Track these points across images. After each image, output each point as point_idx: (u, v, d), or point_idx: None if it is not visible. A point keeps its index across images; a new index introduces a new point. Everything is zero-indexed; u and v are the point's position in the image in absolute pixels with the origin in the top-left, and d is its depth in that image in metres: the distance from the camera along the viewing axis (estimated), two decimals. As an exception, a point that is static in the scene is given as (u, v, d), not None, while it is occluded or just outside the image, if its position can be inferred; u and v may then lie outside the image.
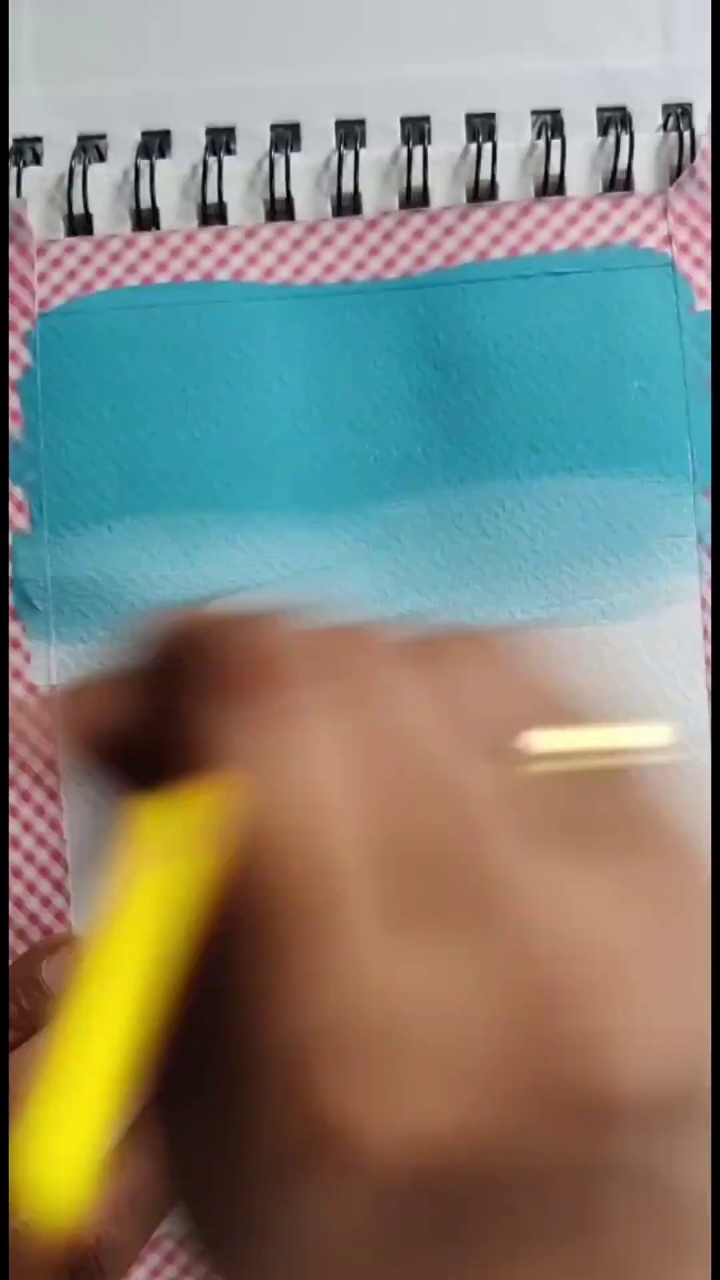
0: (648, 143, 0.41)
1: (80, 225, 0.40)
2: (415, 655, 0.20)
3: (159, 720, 0.20)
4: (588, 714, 0.20)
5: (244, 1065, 0.17)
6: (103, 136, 0.41)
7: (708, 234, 0.40)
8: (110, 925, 0.18)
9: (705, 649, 0.40)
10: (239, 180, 0.41)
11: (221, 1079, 0.17)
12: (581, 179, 0.41)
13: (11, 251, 0.40)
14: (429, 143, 0.41)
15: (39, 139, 0.41)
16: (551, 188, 0.40)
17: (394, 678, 0.19)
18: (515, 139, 0.41)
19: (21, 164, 0.41)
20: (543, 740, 0.19)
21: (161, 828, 0.18)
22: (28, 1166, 0.16)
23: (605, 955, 0.16)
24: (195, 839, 0.18)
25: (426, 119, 0.41)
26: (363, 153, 0.41)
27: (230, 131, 0.42)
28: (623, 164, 0.40)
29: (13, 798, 0.40)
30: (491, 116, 0.41)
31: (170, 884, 0.18)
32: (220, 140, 0.41)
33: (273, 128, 0.41)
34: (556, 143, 0.40)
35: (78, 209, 0.40)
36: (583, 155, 0.41)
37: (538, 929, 0.16)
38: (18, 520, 0.40)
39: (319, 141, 0.41)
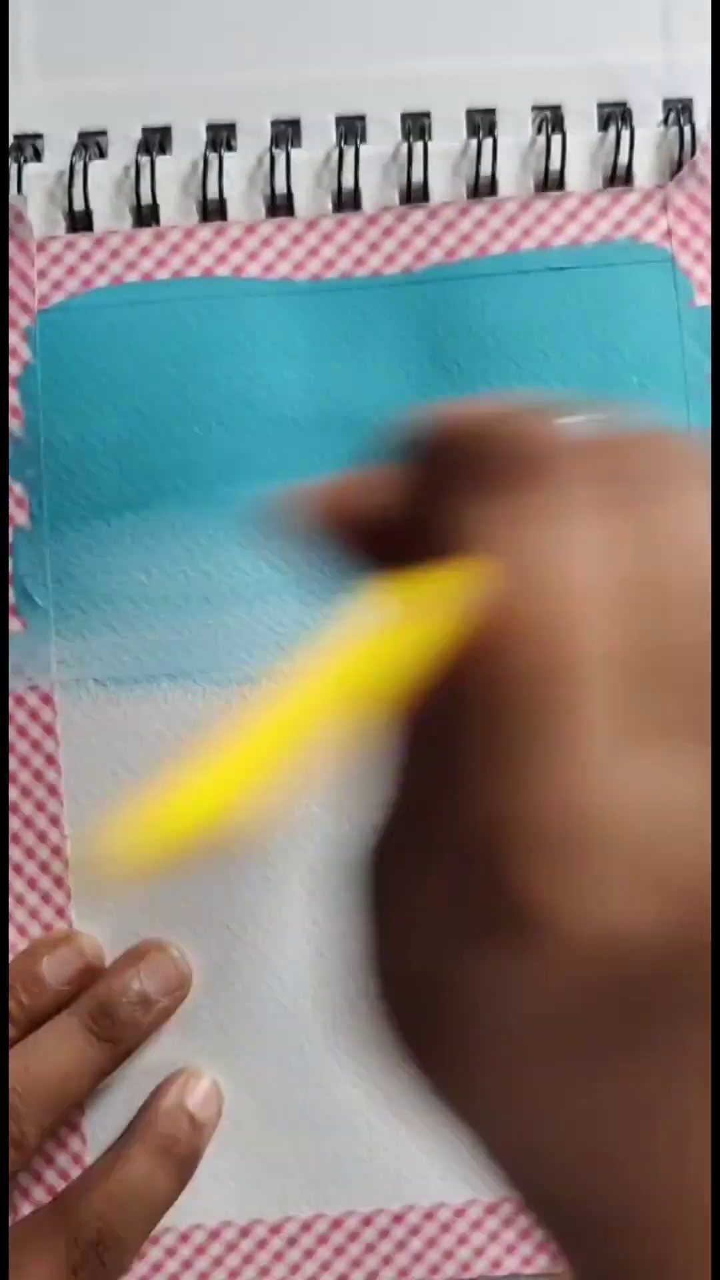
0: (648, 138, 0.41)
1: (80, 221, 0.40)
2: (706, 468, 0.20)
3: (419, 511, 0.20)
4: None
5: (456, 838, 0.17)
6: (103, 133, 0.41)
7: (708, 229, 0.40)
8: (336, 663, 0.18)
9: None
10: (239, 176, 0.41)
11: (436, 846, 0.18)
12: (582, 174, 0.41)
13: (11, 248, 0.40)
14: (429, 138, 0.41)
15: (39, 135, 0.41)
16: (552, 183, 0.40)
17: (683, 487, 0.19)
18: (515, 134, 0.41)
19: (22, 160, 0.41)
20: None
21: (405, 599, 0.19)
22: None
23: None
24: (437, 610, 0.18)
25: (427, 114, 0.41)
26: (363, 148, 0.41)
27: (230, 127, 0.42)
28: (623, 159, 0.40)
29: (13, 793, 0.40)
30: (492, 112, 0.41)
31: (413, 639, 0.18)
32: (220, 136, 0.41)
33: (273, 123, 0.41)
34: (557, 138, 0.40)
35: (78, 205, 0.40)
36: (583, 150, 0.41)
37: None
38: (18, 516, 0.40)
39: (319, 137, 0.41)
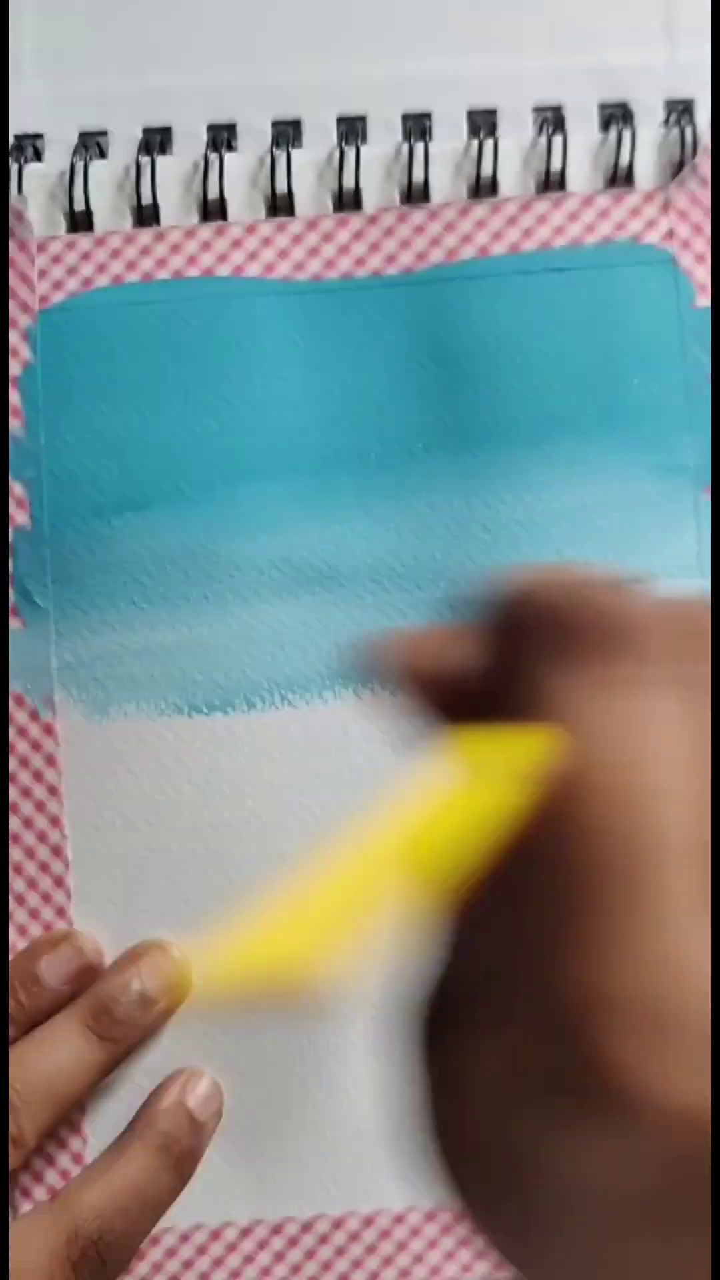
0: (649, 139, 0.41)
1: (81, 221, 0.40)
2: None
3: (497, 672, 0.20)
4: None
5: (535, 1006, 0.17)
6: (104, 133, 0.41)
7: (709, 230, 0.40)
8: (405, 824, 0.19)
9: (706, 645, 0.40)
10: (240, 176, 0.41)
11: (501, 1013, 0.18)
12: (583, 175, 0.41)
13: (12, 248, 0.40)
14: (430, 139, 0.41)
15: (40, 135, 0.41)
16: (553, 184, 0.40)
17: None
18: (517, 135, 0.41)
19: (22, 160, 0.41)
20: None
21: (478, 760, 0.19)
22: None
23: None
24: (510, 774, 0.18)
25: (428, 115, 0.41)
26: (364, 149, 0.41)
27: (231, 128, 0.42)
28: (624, 160, 0.40)
29: (13, 793, 0.40)
30: (493, 112, 0.41)
31: (481, 804, 0.18)
32: (221, 136, 0.41)
33: (274, 124, 0.41)
34: (558, 139, 0.40)
35: (79, 205, 0.40)
36: (584, 151, 0.41)
37: None
38: (18, 516, 0.40)
39: (320, 137, 0.41)
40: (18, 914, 0.39)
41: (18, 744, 0.40)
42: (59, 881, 0.40)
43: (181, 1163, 0.38)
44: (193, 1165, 0.39)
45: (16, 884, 0.40)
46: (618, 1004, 0.17)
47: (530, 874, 0.18)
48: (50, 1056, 0.37)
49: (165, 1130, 0.38)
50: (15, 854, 0.40)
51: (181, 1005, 0.39)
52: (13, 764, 0.40)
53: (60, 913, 0.40)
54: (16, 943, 0.39)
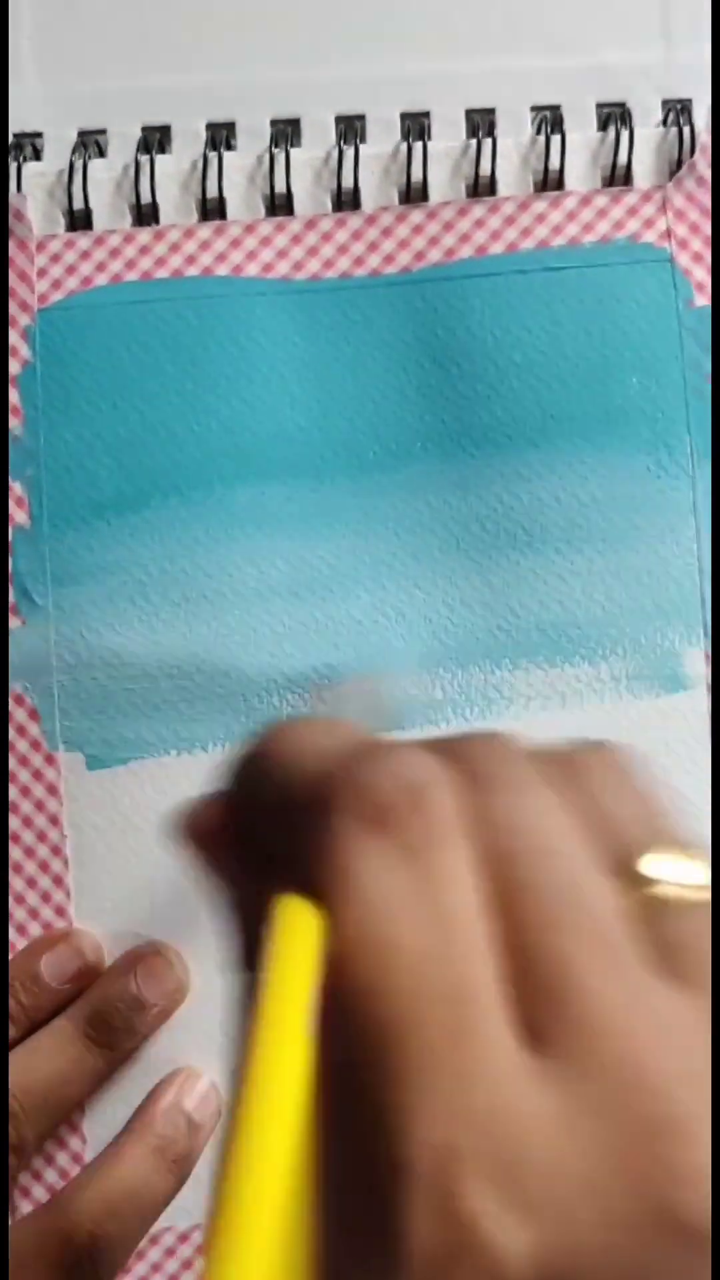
0: (647, 138, 0.41)
1: (80, 220, 0.40)
2: (547, 766, 0.20)
3: (290, 835, 0.20)
4: (689, 834, 0.20)
5: (388, 1173, 0.17)
6: (103, 132, 0.41)
7: (707, 229, 0.40)
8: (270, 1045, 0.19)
9: (704, 646, 0.40)
10: (239, 175, 0.41)
11: (366, 1186, 0.17)
12: (581, 174, 0.41)
13: (11, 247, 0.40)
14: (429, 138, 0.41)
15: (39, 134, 0.41)
16: (551, 183, 0.40)
17: (534, 792, 0.20)
18: (515, 134, 0.41)
19: (21, 159, 0.41)
20: (660, 863, 0.19)
21: (299, 931, 0.19)
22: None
23: (701, 1086, 0.17)
24: (311, 954, 0.18)
25: (426, 114, 0.41)
26: (362, 148, 0.41)
27: (230, 127, 0.42)
28: (622, 159, 0.40)
29: (13, 793, 0.40)
30: (491, 112, 0.41)
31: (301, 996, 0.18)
32: (220, 135, 0.41)
33: (273, 123, 0.41)
34: (556, 138, 0.40)
35: (78, 204, 0.40)
36: (582, 151, 0.41)
37: (647, 1060, 0.17)
38: (17, 515, 0.40)
39: (319, 137, 0.41)
40: (17, 913, 0.39)
41: (17, 743, 0.40)
42: (58, 880, 0.40)
43: (178, 1164, 0.38)
44: (189, 1167, 0.38)
45: (16, 883, 0.39)
46: (466, 1156, 0.17)
47: (360, 1050, 0.18)
48: (50, 1064, 0.37)
49: (161, 1132, 0.38)
50: (15, 853, 0.40)
51: (178, 1008, 0.39)
52: (12, 763, 0.40)
53: (59, 912, 0.39)
54: (16, 941, 0.39)
